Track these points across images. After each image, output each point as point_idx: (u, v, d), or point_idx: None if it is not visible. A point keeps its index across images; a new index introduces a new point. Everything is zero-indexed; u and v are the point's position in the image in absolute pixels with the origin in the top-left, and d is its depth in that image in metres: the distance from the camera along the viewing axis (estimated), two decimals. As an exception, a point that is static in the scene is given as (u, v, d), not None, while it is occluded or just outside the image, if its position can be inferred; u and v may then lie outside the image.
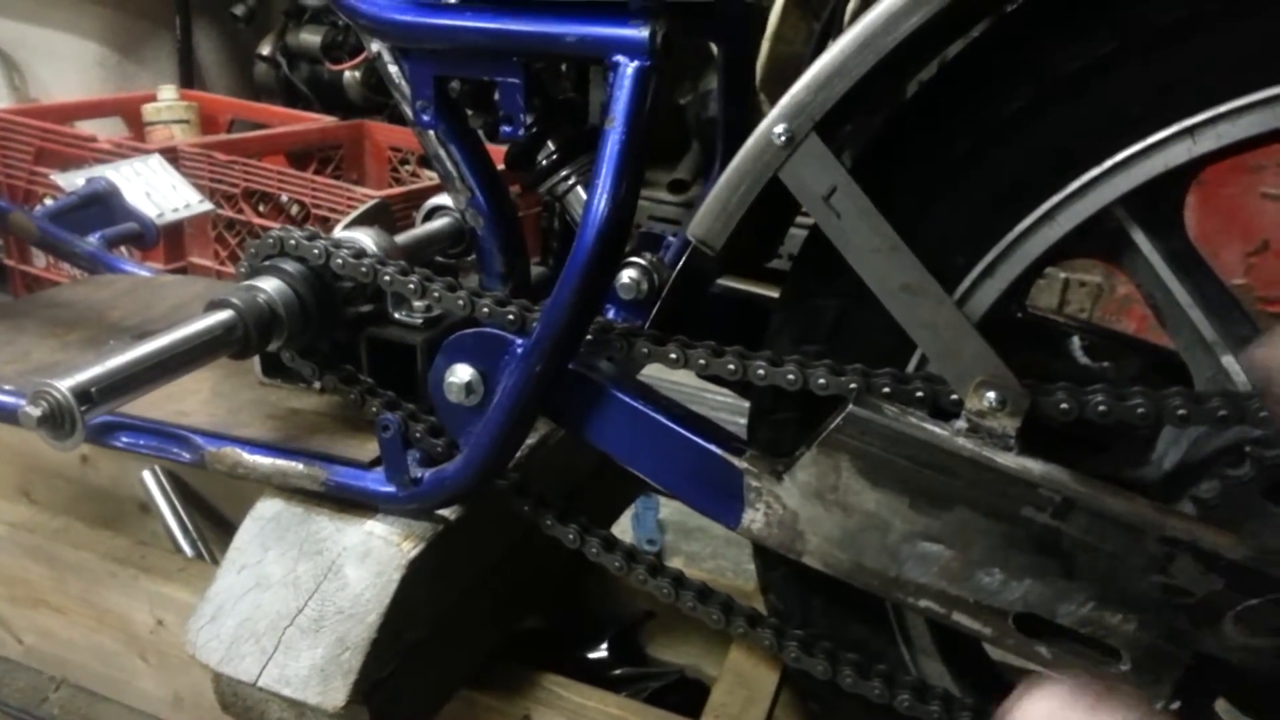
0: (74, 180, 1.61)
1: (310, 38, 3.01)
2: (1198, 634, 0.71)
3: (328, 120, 2.63)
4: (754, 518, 0.81)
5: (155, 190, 1.75)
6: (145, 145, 2.32)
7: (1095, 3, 0.72)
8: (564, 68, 0.96)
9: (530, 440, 1.01)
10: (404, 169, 2.59)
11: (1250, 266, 1.99)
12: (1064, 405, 0.72)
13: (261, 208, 2.21)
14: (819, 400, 0.80)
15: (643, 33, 0.76)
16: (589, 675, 1.14)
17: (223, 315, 0.85)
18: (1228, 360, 0.76)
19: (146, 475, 1.50)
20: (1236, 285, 1.99)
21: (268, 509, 0.93)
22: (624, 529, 1.92)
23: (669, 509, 1.95)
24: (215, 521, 1.52)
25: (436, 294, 0.87)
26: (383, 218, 1.10)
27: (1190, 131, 0.71)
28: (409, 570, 0.87)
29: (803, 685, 1.01)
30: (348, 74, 2.95)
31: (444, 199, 1.14)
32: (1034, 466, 0.72)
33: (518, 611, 1.20)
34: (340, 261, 0.89)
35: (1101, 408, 0.71)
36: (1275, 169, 1.92)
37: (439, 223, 1.14)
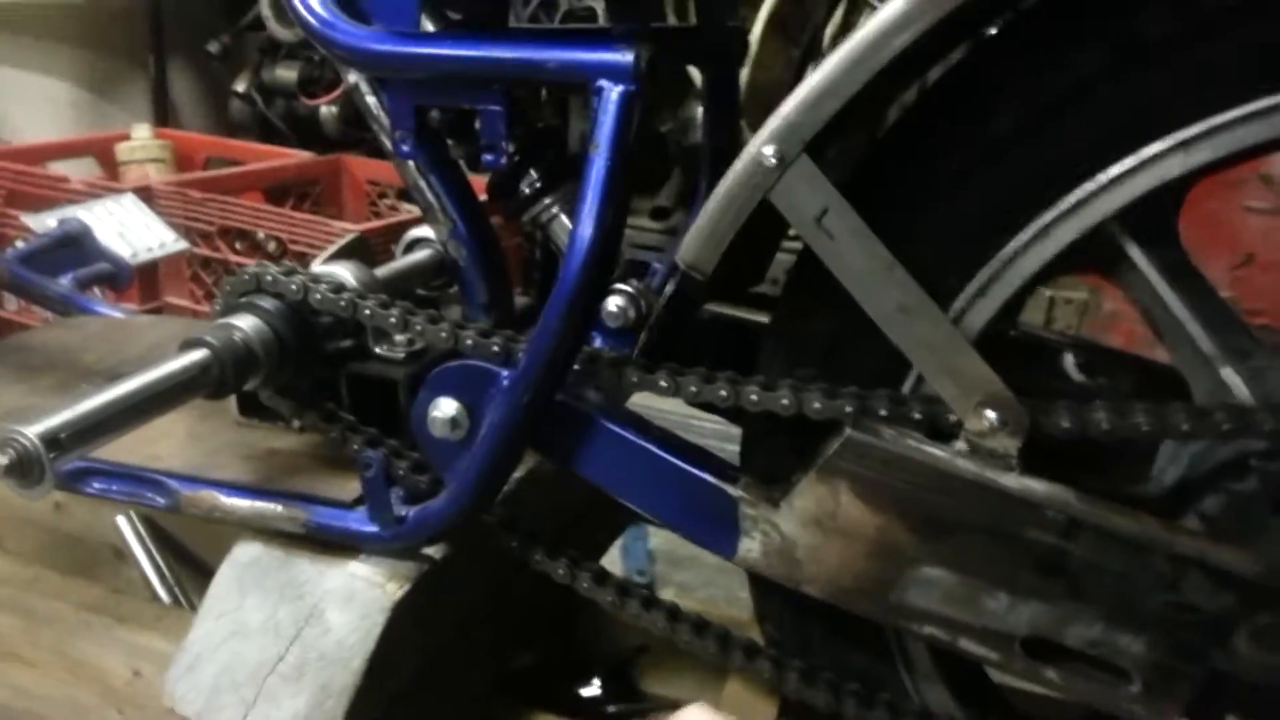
0: (45, 222, 1.57)
1: (286, 73, 2.99)
2: (1210, 652, 0.69)
3: (305, 155, 2.60)
4: (751, 547, 0.79)
5: (129, 230, 1.72)
6: (118, 185, 2.29)
7: (1082, 20, 0.71)
8: (544, 94, 0.95)
9: (518, 474, 0.99)
10: (383, 202, 2.57)
11: (1235, 279, 2.00)
12: (1065, 423, 0.70)
13: (238, 245, 2.18)
14: (813, 425, 0.78)
15: (627, 57, 0.74)
16: (583, 712, 1.11)
17: (197, 355, 0.83)
18: (1226, 373, 0.75)
19: (121, 521, 1.45)
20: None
21: (245, 553, 0.90)
22: (613, 560, 1.89)
23: (659, 539, 1.92)
24: (194, 567, 1.47)
25: (419, 327, 0.85)
26: (361, 252, 1.07)
27: (1184, 145, 0.71)
28: (394, 612, 0.84)
29: (802, 717, 0.98)
30: (324, 108, 2.93)
31: (425, 231, 1.12)
32: (1037, 487, 0.70)
33: (511, 650, 1.17)
34: (319, 296, 0.87)
35: (1104, 424, 0.69)
36: (1257, 183, 1.93)
37: (420, 255, 1.12)
